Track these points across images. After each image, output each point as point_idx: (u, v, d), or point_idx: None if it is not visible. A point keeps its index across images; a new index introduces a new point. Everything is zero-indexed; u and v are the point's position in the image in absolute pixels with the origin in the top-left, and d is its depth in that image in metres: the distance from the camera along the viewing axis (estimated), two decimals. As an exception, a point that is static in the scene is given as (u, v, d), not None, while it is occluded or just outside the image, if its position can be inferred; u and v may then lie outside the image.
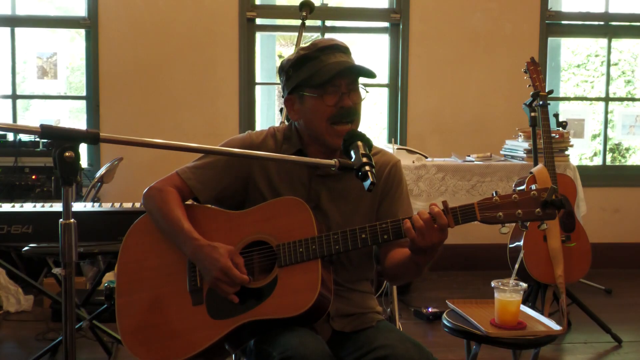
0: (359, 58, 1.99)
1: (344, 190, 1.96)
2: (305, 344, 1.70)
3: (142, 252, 1.94)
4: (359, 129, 1.88)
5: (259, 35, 5.35)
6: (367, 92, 1.94)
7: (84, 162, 5.04)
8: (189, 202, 1.99)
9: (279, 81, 2.03)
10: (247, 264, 1.82)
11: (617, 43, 6.79)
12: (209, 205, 1.98)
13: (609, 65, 5.51)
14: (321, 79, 1.85)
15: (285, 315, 1.75)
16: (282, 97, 2.03)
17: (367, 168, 1.67)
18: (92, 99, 5.00)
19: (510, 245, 3.71)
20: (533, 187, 1.71)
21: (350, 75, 1.88)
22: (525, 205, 1.69)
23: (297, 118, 1.96)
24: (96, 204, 3.26)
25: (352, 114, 1.88)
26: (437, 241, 1.70)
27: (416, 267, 1.83)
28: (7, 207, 2.97)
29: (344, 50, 1.92)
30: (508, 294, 2.28)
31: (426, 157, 4.35)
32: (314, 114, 1.89)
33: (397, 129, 5.22)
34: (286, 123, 2.88)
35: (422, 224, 1.69)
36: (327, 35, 5.32)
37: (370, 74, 1.90)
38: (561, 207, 1.70)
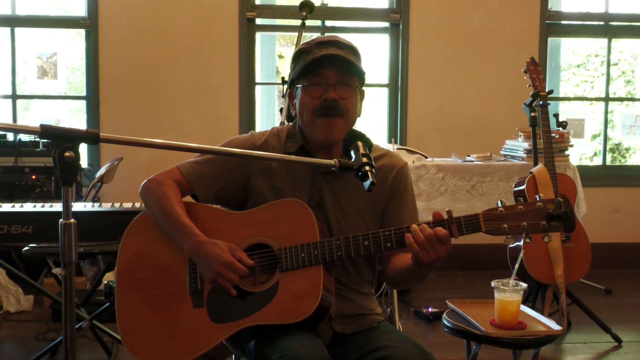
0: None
1: (347, 188, 1.93)
2: (304, 347, 1.70)
3: (142, 251, 1.92)
4: (359, 129, 1.85)
5: (259, 35, 5.35)
6: (356, 86, 1.89)
7: (84, 162, 5.04)
8: (189, 200, 1.97)
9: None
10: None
11: (617, 43, 6.78)
12: (210, 205, 1.96)
13: (609, 65, 5.51)
14: (305, 67, 1.86)
15: (286, 321, 1.75)
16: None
17: (367, 168, 1.67)
18: (92, 99, 5.00)
19: (510, 245, 3.71)
20: (538, 197, 1.70)
21: (336, 66, 1.85)
22: (530, 217, 1.68)
23: (295, 113, 1.96)
24: (96, 204, 3.25)
25: (335, 107, 1.85)
26: (441, 254, 1.69)
27: (418, 276, 1.83)
28: (7, 207, 2.96)
29: (342, 46, 1.88)
30: (508, 294, 2.28)
31: (426, 157, 4.35)
32: (302, 106, 1.90)
33: (397, 129, 5.22)
34: (286, 123, 2.89)
35: (423, 239, 1.68)
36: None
37: (354, 67, 1.86)
38: (567, 220, 1.67)
